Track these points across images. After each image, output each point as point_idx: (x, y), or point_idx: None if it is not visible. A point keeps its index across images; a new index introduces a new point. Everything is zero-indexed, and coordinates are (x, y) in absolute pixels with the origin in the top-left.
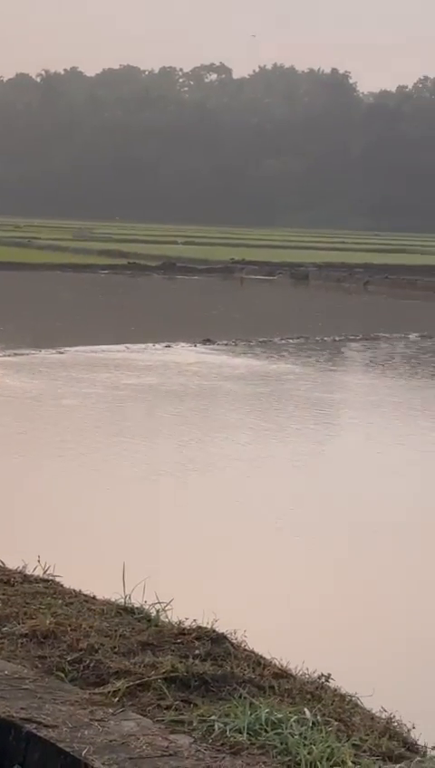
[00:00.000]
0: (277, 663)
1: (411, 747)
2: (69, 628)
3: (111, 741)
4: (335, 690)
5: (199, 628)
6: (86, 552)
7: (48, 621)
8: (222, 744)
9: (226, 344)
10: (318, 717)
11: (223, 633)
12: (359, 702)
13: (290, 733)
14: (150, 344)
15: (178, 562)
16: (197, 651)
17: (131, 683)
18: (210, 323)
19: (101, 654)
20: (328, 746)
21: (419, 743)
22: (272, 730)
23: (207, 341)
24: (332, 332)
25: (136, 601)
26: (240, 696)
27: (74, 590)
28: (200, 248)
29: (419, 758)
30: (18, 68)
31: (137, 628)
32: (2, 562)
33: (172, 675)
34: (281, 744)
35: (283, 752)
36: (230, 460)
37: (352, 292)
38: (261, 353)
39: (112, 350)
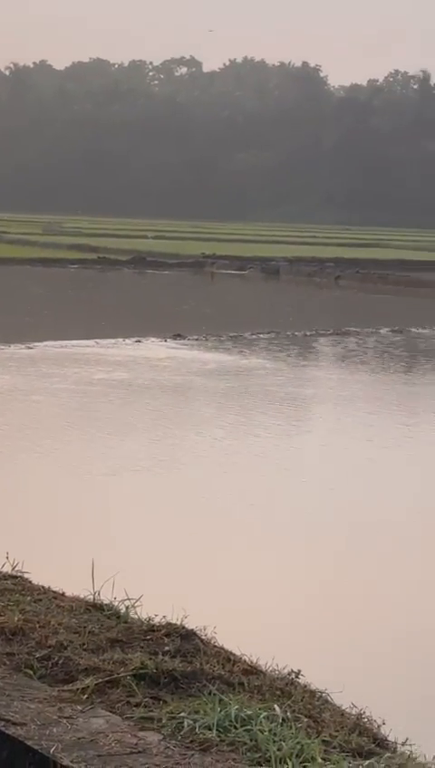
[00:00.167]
0: (247, 659)
1: (382, 743)
2: (37, 625)
3: (79, 738)
4: (305, 686)
5: (169, 624)
6: (55, 548)
7: (16, 618)
8: (191, 741)
9: (196, 339)
10: (288, 714)
11: (193, 629)
12: (329, 698)
13: (260, 729)
14: (121, 339)
15: (147, 559)
16: (166, 648)
17: (100, 680)
18: (181, 318)
19: (69, 651)
20: (298, 743)
21: (389, 739)
22: (241, 726)
23: (177, 336)
24: (303, 327)
25: (105, 598)
26: (210, 693)
27: (43, 587)
28: (171, 242)
29: (389, 754)
30: None
31: (106, 624)
32: None
33: (141, 671)
34: (251, 740)
35: (252, 748)
36: (201, 455)
37: (323, 287)
38: (232, 348)
39: (82, 345)
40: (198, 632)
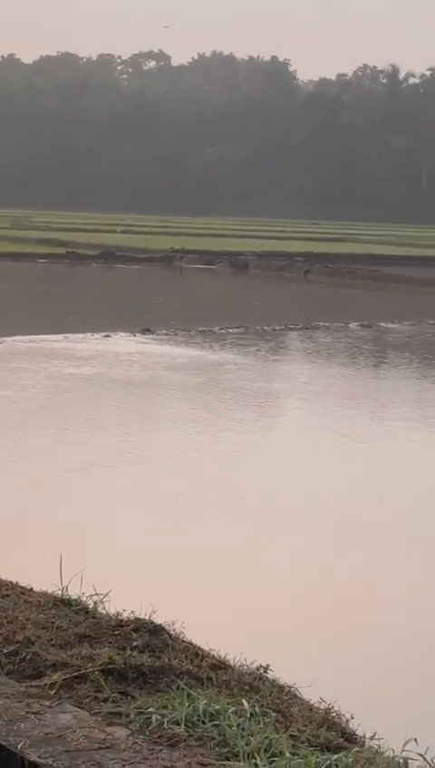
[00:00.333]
0: (215, 654)
1: (350, 737)
2: (5, 621)
3: (47, 734)
4: (274, 681)
5: (137, 619)
6: (23, 543)
7: None
8: (159, 736)
9: (165, 334)
10: (256, 708)
11: (161, 624)
12: (297, 693)
13: (228, 724)
14: (89, 334)
15: (116, 554)
16: (134, 643)
17: (68, 675)
18: (150, 313)
19: (37, 646)
20: (266, 737)
21: (357, 733)
22: (210, 721)
23: (146, 331)
24: (272, 322)
25: (73, 593)
26: (178, 688)
27: (11, 582)
28: (140, 237)
29: (357, 748)
30: None
31: (74, 619)
32: None
33: (110, 667)
34: (219, 735)
35: (220, 743)
36: (171, 450)
37: (292, 281)
38: (201, 343)
39: (51, 340)
40: (166, 627)
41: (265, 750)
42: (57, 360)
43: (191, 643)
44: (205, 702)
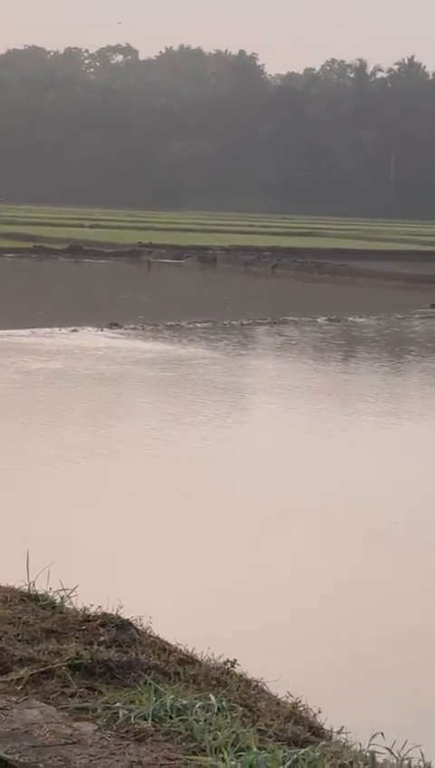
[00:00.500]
0: (183, 649)
1: (317, 732)
2: None
3: (13, 729)
4: (241, 676)
5: (104, 614)
6: None
7: None
8: (126, 732)
9: (133, 328)
10: (223, 703)
11: (128, 619)
12: (265, 687)
13: (195, 719)
14: (57, 328)
15: (83, 549)
16: (102, 638)
17: (35, 670)
18: (117, 307)
19: (4, 641)
20: (233, 732)
21: (324, 727)
22: (177, 716)
23: (114, 326)
24: (240, 316)
25: (40, 588)
26: (145, 683)
27: None
28: (107, 231)
29: (324, 743)
30: None
31: (41, 615)
32: None
33: (77, 662)
34: (186, 730)
35: (188, 738)
36: (139, 445)
37: (260, 276)
38: (169, 337)
39: (18, 335)
40: (133, 622)
41: (232, 744)
42: (25, 354)
43: (159, 638)
44: (172, 697)
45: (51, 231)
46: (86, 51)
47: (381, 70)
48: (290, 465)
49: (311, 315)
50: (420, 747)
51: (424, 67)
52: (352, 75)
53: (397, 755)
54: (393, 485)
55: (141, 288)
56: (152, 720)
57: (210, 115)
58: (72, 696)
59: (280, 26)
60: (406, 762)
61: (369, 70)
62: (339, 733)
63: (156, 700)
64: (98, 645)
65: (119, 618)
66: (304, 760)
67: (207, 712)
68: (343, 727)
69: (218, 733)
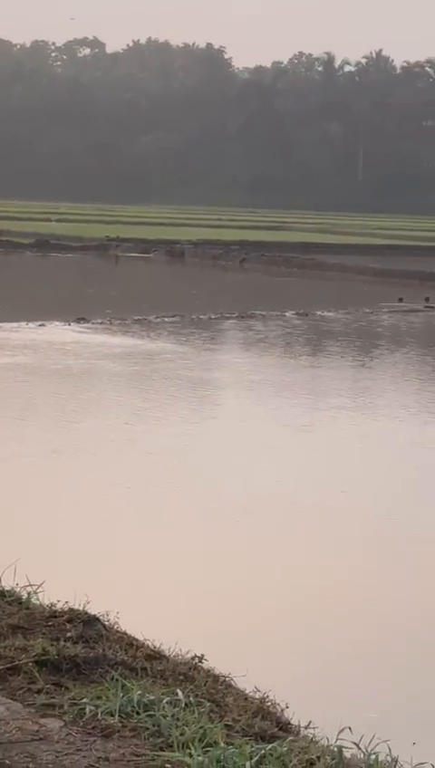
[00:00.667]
0: (150, 644)
1: (285, 727)
2: None
3: None
4: (209, 671)
5: (71, 610)
6: None
7: None
8: (93, 727)
9: (101, 323)
10: (191, 698)
11: (95, 615)
12: (232, 682)
13: (162, 714)
14: (24, 323)
15: (49, 545)
16: (68, 634)
17: (1, 667)
18: (85, 302)
19: None
20: (200, 727)
21: (292, 722)
22: (144, 712)
23: (81, 320)
24: (208, 310)
25: (6, 584)
26: (112, 679)
27: None
28: (74, 225)
29: (292, 737)
30: None
31: (7, 611)
32: None
33: (43, 658)
34: (153, 725)
35: (155, 733)
36: (106, 440)
37: (228, 270)
38: (137, 332)
39: None
40: (100, 618)
41: (199, 740)
42: None
43: (126, 633)
44: (139, 692)
45: (17, 225)
46: (53, 44)
47: (349, 63)
48: (261, 460)
49: (279, 309)
50: (387, 742)
51: (392, 61)
52: (320, 69)
53: (364, 750)
54: (367, 480)
55: (109, 282)
56: (119, 716)
57: (178, 109)
58: (39, 692)
59: (247, 19)
60: (373, 756)
61: (337, 63)
62: (306, 728)
63: (123, 696)
64: (65, 641)
65: (86, 613)
66: (271, 755)
67: (174, 707)
68: (310, 722)
69: (186, 728)
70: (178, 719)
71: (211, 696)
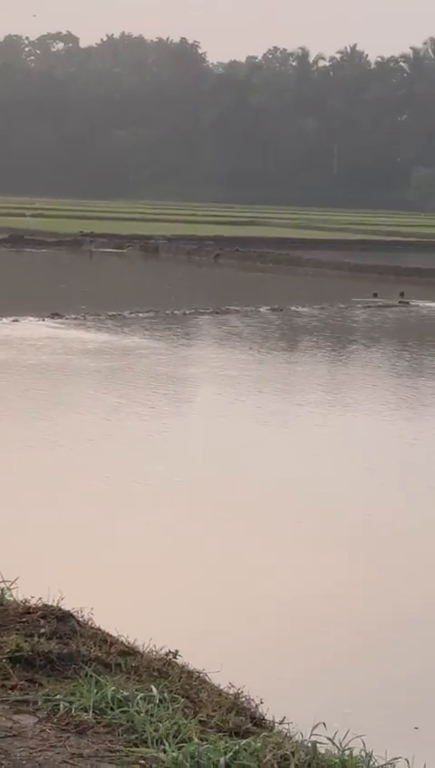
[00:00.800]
0: (124, 640)
1: (259, 722)
2: None
3: None
4: (183, 667)
5: (45, 606)
6: None
7: None
8: (67, 724)
9: (75, 318)
10: (165, 694)
11: (69, 611)
12: (207, 678)
13: (136, 710)
14: None
15: (22, 540)
16: (42, 630)
17: None
18: (59, 297)
19: None
20: (175, 723)
21: (266, 717)
22: (118, 708)
23: (55, 315)
24: (183, 306)
25: None
26: (86, 675)
27: None
28: (49, 221)
29: (266, 733)
30: None
31: None
32: None
33: (17, 654)
34: (127, 721)
35: (129, 729)
36: (81, 436)
37: (202, 265)
38: (112, 327)
39: None
40: (74, 614)
41: (173, 736)
42: None
43: (100, 629)
44: (113, 688)
45: None
46: (26, 38)
47: (323, 58)
48: (238, 456)
49: (254, 305)
50: (362, 737)
51: (366, 56)
52: (294, 64)
53: (339, 745)
54: (344, 476)
55: (83, 278)
56: (93, 712)
57: (152, 104)
58: (13, 688)
59: (221, 14)
60: (347, 751)
61: (311, 58)
62: (281, 723)
63: (97, 692)
64: (38, 637)
65: (60, 609)
66: (245, 750)
67: (148, 703)
68: (284, 718)
69: (160, 724)
70: (152, 715)
71: (185, 692)
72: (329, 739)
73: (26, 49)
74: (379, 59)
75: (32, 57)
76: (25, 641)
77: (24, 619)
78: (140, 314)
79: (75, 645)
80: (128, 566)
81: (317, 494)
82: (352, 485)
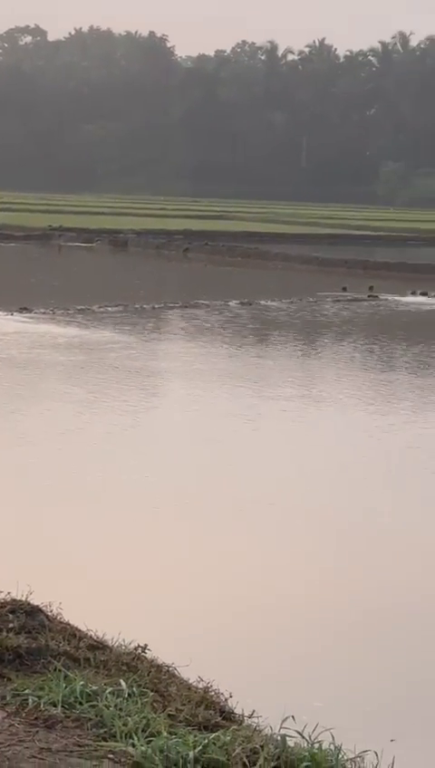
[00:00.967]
0: (93, 635)
1: (228, 716)
2: None
3: None
4: (152, 661)
5: (14, 600)
6: None
7: None
8: (36, 718)
9: (44, 313)
10: (134, 688)
11: (38, 606)
12: (176, 672)
13: (105, 705)
14: None
15: None
16: (11, 625)
17: None
18: (28, 292)
19: None
20: (144, 717)
21: (236, 711)
22: (87, 702)
23: (24, 310)
24: (152, 300)
25: None
26: (55, 669)
27: None
28: (17, 215)
29: (235, 727)
30: None
31: None
32: None
33: None
34: (96, 716)
35: (98, 724)
36: (51, 430)
37: (171, 259)
38: (81, 322)
39: None
40: (43, 608)
41: (142, 730)
42: None
43: (69, 624)
44: (82, 683)
45: None
46: None
47: (292, 52)
48: (208, 450)
49: (223, 299)
50: (331, 730)
51: (335, 50)
52: (263, 57)
53: (308, 738)
54: (315, 469)
55: (52, 272)
56: (62, 706)
57: (121, 97)
58: None
59: (189, 7)
60: (317, 745)
61: (280, 52)
62: (250, 717)
63: (66, 686)
64: (7, 631)
65: (28, 604)
66: (214, 744)
67: (117, 698)
68: (253, 711)
69: (129, 718)
70: (121, 709)
71: (154, 686)
72: (298, 732)
73: None
74: (347, 53)
75: None
76: None
77: None
78: (110, 308)
79: (44, 639)
80: (97, 560)
81: (291, 488)
82: (327, 479)
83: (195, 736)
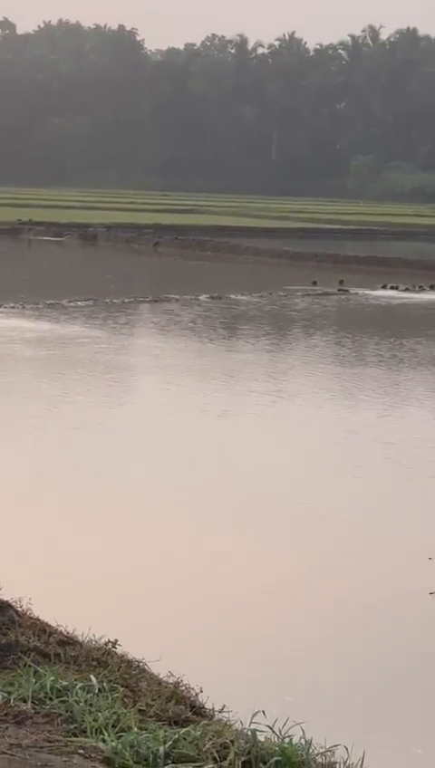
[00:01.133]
0: (63, 630)
1: (199, 711)
2: None
3: None
4: (122, 656)
5: None
6: None
7: None
8: (6, 714)
9: (13, 307)
10: (104, 684)
11: (7, 601)
12: (146, 667)
13: (75, 700)
14: None
15: None
16: None
17: None
18: None
19: None
20: (114, 712)
21: (206, 706)
22: (57, 698)
23: None
24: (122, 294)
25: None
26: (25, 665)
27: None
28: None
29: (205, 721)
30: None
31: None
32: None
33: None
34: (66, 711)
35: (68, 719)
36: (21, 425)
37: (141, 253)
38: (50, 316)
39: None
40: (12, 604)
41: (112, 725)
42: None
43: (39, 619)
44: (52, 678)
45: None
46: None
47: (262, 45)
48: (179, 445)
49: (193, 293)
50: (301, 725)
51: (305, 43)
52: (232, 51)
53: (278, 733)
54: (286, 464)
55: (21, 266)
56: (32, 702)
57: (90, 91)
58: None
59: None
60: (287, 739)
61: (250, 45)
62: (220, 712)
63: (36, 682)
64: None
65: None
66: (185, 739)
67: (87, 693)
68: (224, 706)
69: (99, 714)
70: (91, 705)
71: (125, 682)
72: (269, 727)
73: None
74: (317, 46)
75: None
76: None
77: None
78: (80, 303)
79: (14, 635)
80: (66, 555)
81: (263, 483)
82: (293, 473)
83: (165, 731)
